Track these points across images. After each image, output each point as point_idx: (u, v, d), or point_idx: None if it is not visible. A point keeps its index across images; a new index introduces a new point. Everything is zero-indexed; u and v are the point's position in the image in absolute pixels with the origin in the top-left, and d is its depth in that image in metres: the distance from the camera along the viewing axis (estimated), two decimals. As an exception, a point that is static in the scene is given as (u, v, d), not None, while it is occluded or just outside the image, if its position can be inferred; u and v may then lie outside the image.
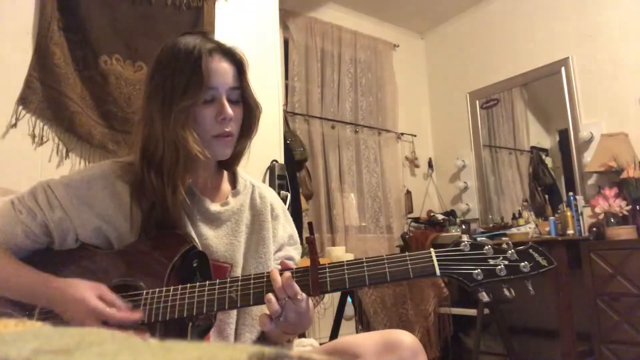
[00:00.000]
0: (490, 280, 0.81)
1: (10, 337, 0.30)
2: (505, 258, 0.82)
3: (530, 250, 0.83)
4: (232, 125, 0.97)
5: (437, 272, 0.82)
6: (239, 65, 0.99)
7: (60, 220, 0.94)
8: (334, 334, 2.75)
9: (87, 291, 0.83)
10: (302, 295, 0.82)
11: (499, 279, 0.81)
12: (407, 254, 0.84)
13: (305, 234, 3.09)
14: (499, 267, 0.81)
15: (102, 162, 1.04)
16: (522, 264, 0.81)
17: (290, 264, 0.89)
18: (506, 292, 0.81)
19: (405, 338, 0.88)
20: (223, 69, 0.96)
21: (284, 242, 1.11)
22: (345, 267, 0.84)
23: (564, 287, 2.60)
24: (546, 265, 0.82)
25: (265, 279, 0.85)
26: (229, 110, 0.95)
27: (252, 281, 0.86)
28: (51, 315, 0.86)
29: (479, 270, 0.81)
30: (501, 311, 2.93)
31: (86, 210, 0.94)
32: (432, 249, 0.84)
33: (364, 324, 2.99)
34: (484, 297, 0.81)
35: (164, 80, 0.94)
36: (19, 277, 0.89)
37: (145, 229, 0.95)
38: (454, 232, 3.54)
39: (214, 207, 1.02)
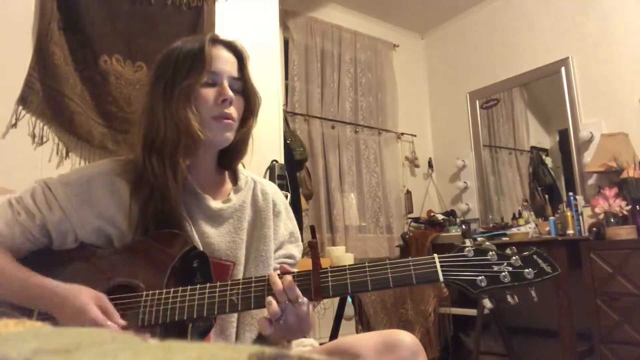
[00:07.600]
0: (493, 287, 0.81)
1: (10, 337, 0.30)
2: (509, 264, 0.81)
3: (535, 257, 0.82)
4: (233, 111, 0.98)
5: (441, 278, 0.81)
6: (240, 57, 1.02)
7: (60, 221, 0.93)
8: (334, 334, 2.74)
9: (88, 301, 0.82)
10: (303, 299, 0.82)
11: (502, 285, 0.80)
12: (410, 258, 0.83)
13: (305, 233, 3.09)
14: (503, 273, 0.81)
15: (101, 161, 1.04)
16: (526, 270, 0.80)
17: (291, 268, 0.89)
18: (509, 299, 0.81)
19: (405, 338, 0.88)
20: (225, 57, 0.99)
21: (284, 240, 1.10)
22: (348, 271, 0.84)
23: (564, 287, 2.60)
24: (550, 272, 0.81)
25: (266, 282, 0.85)
26: (229, 92, 0.97)
27: (253, 284, 0.85)
28: (51, 316, 0.86)
29: (482, 276, 0.81)
30: (501, 311, 2.93)
31: (86, 210, 0.93)
32: (435, 255, 0.83)
33: (364, 324, 2.99)
34: (487, 304, 0.81)
35: (166, 69, 0.97)
36: (18, 280, 0.87)
37: (142, 222, 0.93)
38: (454, 232, 3.53)
39: (216, 204, 1.01)
